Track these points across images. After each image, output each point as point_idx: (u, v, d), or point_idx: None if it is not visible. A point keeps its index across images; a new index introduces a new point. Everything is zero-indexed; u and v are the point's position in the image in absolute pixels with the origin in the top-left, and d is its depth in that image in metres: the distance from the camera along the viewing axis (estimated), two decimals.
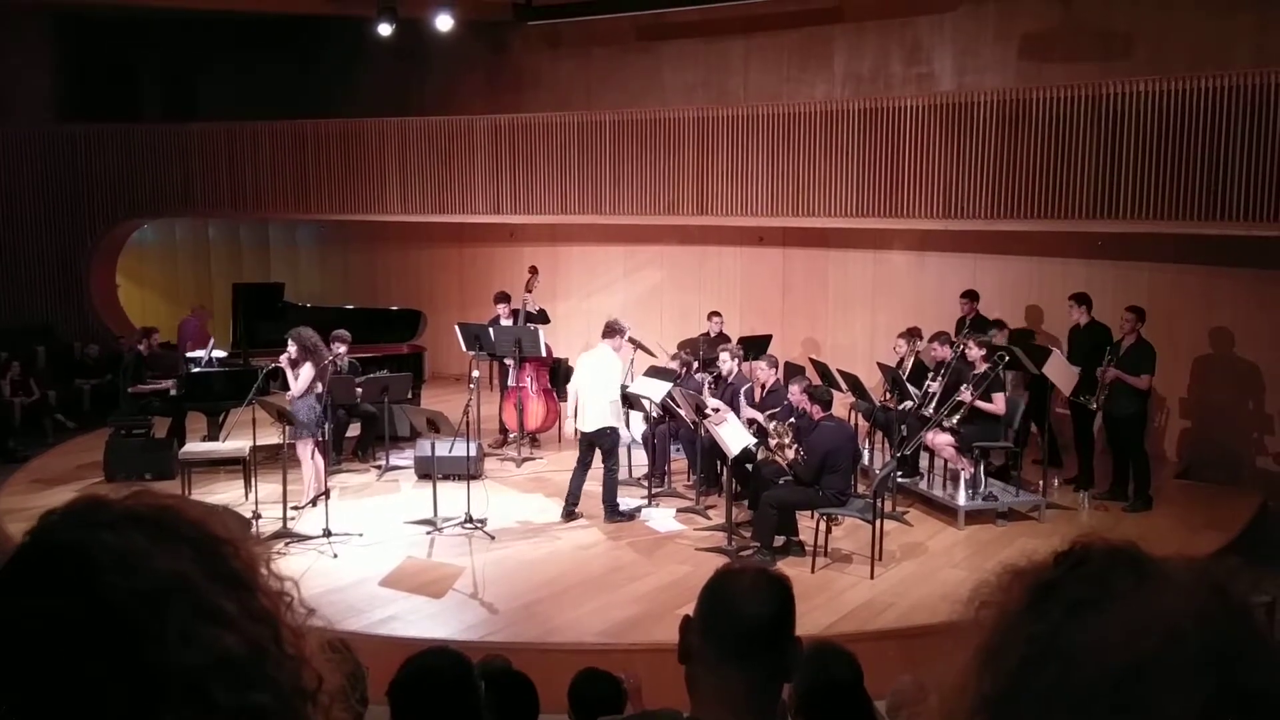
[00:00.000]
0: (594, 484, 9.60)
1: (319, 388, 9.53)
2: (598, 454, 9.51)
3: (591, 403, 9.41)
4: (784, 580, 2.05)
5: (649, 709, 3.62)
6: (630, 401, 10.27)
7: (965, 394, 9.40)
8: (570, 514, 9.52)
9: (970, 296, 11.44)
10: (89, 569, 0.83)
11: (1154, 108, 10.24)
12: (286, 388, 9.81)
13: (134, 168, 15.58)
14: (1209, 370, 11.06)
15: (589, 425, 9.42)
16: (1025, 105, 11.06)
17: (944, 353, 10.06)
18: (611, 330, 9.58)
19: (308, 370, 9.39)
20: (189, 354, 12.33)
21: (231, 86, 16.68)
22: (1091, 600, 0.87)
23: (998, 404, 9.53)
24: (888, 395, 10.65)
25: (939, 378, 9.95)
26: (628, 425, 10.77)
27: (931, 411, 9.66)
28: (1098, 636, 0.84)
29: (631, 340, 12.08)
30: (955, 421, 9.42)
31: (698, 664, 1.97)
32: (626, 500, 9.93)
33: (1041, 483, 9.97)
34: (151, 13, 15.45)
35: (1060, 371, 9.81)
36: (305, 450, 9.43)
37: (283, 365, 9.54)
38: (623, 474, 10.59)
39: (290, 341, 9.51)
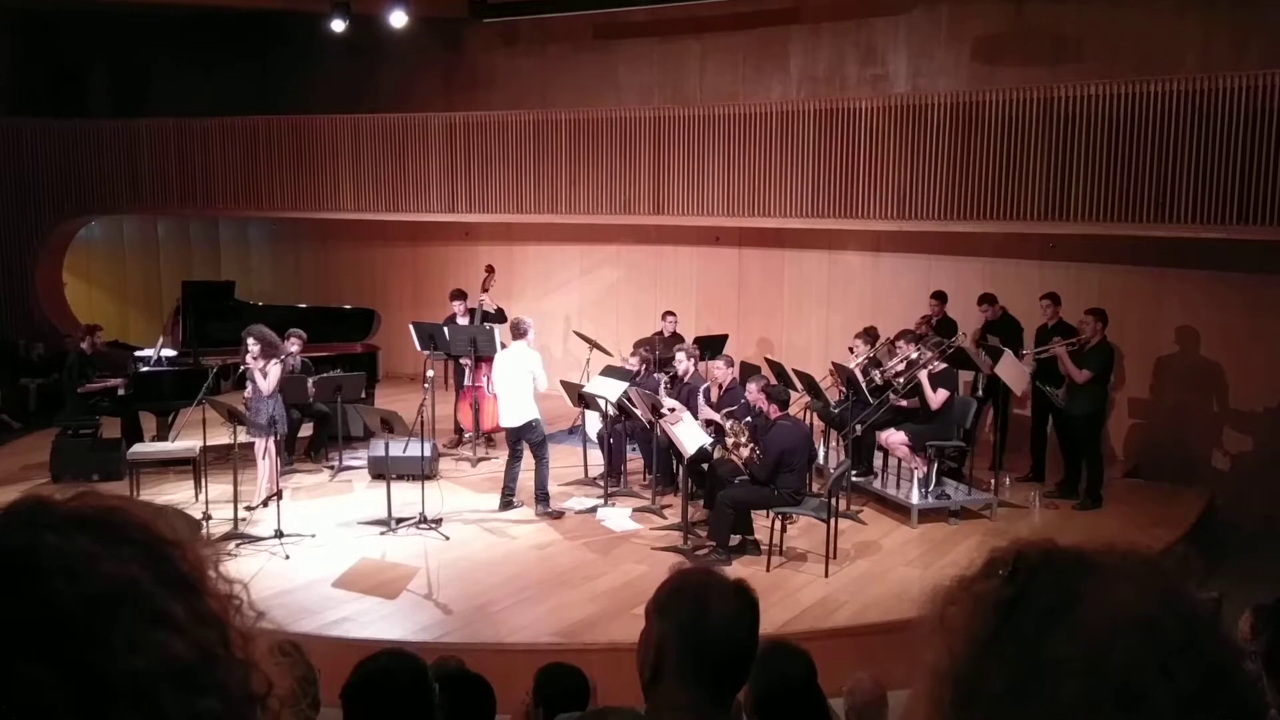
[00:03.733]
0: (529, 476, 9.81)
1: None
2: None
3: (507, 399, 9.67)
4: (755, 600, 2.07)
5: (608, 706, 3.61)
6: (586, 401, 10.28)
7: (922, 375, 9.52)
8: (508, 504, 9.66)
9: (939, 298, 11.51)
10: (32, 572, 0.81)
11: (1103, 111, 10.38)
12: (239, 387, 9.70)
13: (81, 164, 15.34)
14: (1158, 370, 11.23)
15: (510, 421, 9.66)
16: (978, 107, 11.18)
17: (909, 350, 10.10)
18: (519, 330, 9.80)
19: (275, 367, 9.34)
20: (137, 353, 12.16)
21: (181, 82, 16.46)
22: (1059, 607, 0.86)
23: (939, 396, 9.60)
24: (842, 395, 10.70)
25: (890, 370, 10.05)
26: (584, 424, 10.85)
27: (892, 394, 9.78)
28: (1078, 643, 0.83)
29: (586, 339, 12.12)
30: (900, 395, 9.54)
31: (668, 679, 1.98)
32: (581, 500, 9.95)
33: (993, 481, 10.08)
34: (100, 7, 15.22)
35: (1012, 371, 9.92)
36: (263, 448, 9.36)
37: (249, 365, 9.44)
38: (579, 473, 10.65)
39: (251, 340, 9.42)
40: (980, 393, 10.66)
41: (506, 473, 9.80)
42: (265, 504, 9.14)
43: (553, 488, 9.86)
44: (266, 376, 9.32)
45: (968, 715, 0.86)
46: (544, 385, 9.72)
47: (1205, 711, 0.81)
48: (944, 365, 9.73)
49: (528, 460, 9.78)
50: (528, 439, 9.66)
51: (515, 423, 9.62)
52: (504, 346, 11.62)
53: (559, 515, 9.60)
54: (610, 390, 9.99)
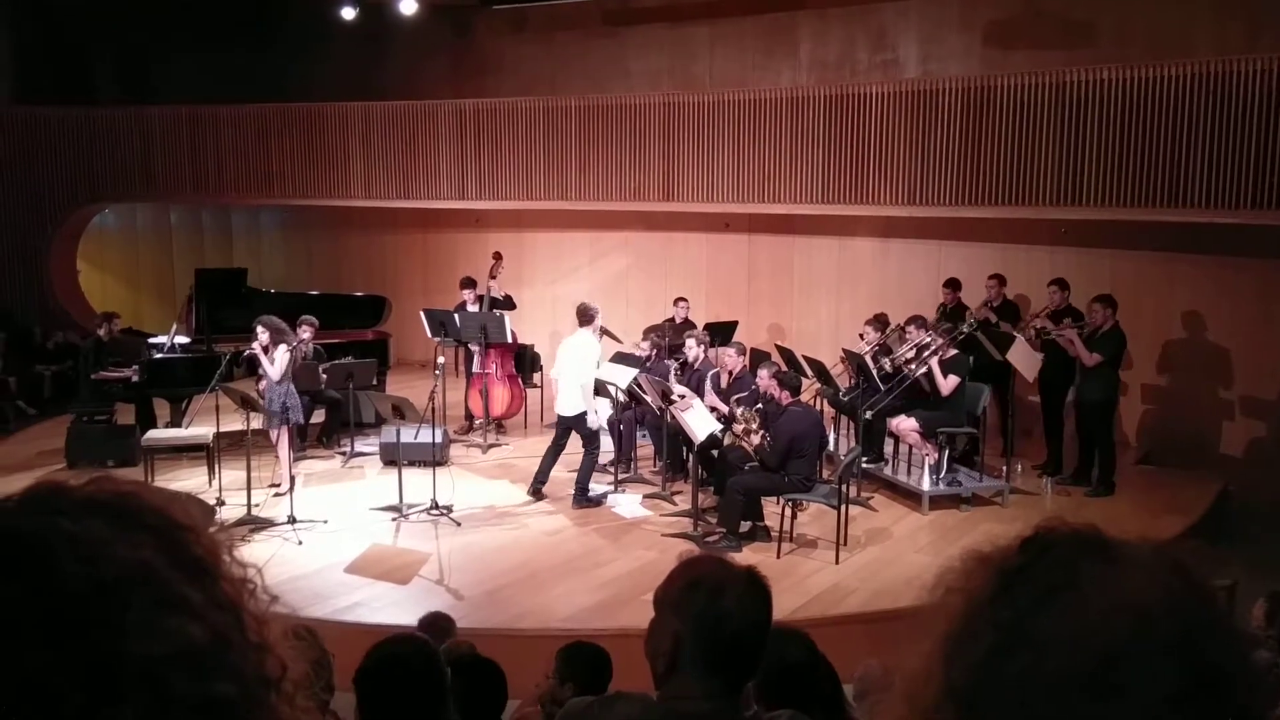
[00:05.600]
0: (561, 469, 9.71)
1: (288, 372, 9.51)
2: (574, 439, 9.61)
3: (566, 387, 9.52)
4: (768, 589, 2.08)
5: (620, 690, 3.63)
6: (597, 387, 10.29)
7: (932, 362, 9.51)
8: (537, 492, 9.62)
9: (952, 285, 11.47)
10: (47, 557, 0.81)
11: (1116, 96, 10.32)
12: (251, 374, 9.71)
13: (94, 152, 15.38)
14: (1170, 355, 11.19)
15: (567, 410, 9.52)
16: (989, 92, 11.12)
17: (919, 336, 10.08)
18: (587, 316, 9.66)
19: (283, 354, 9.36)
20: (151, 340, 12.20)
21: (192, 69, 16.45)
22: (1060, 586, 0.87)
23: (950, 382, 9.58)
24: (853, 381, 10.69)
25: (901, 357, 10.04)
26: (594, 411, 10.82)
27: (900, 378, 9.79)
28: (1069, 622, 0.84)
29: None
30: (914, 387, 9.56)
31: (683, 672, 1.99)
32: (594, 487, 9.96)
33: (1005, 468, 10.06)
34: None
35: (1024, 358, 9.89)
36: (283, 435, 9.41)
37: (255, 352, 9.47)
38: None
39: (260, 328, 9.45)
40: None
41: (543, 462, 9.67)
42: (291, 491, 9.17)
43: (562, 474, 9.77)
44: (274, 363, 9.35)
45: (951, 672, 0.88)
46: (588, 376, 9.52)
47: (1190, 713, 0.81)
48: (955, 351, 9.70)
49: (564, 458, 9.69)
50: (580, 430, 9.51)
51: (570, 412, 9.50)
52: (511, 337, 11.67)
53: (598, 503, 9.57)
54: (621, 377, 9.99)
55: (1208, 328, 10.93)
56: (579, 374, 9.45)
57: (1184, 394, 11.14)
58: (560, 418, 9.64)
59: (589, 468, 9.57)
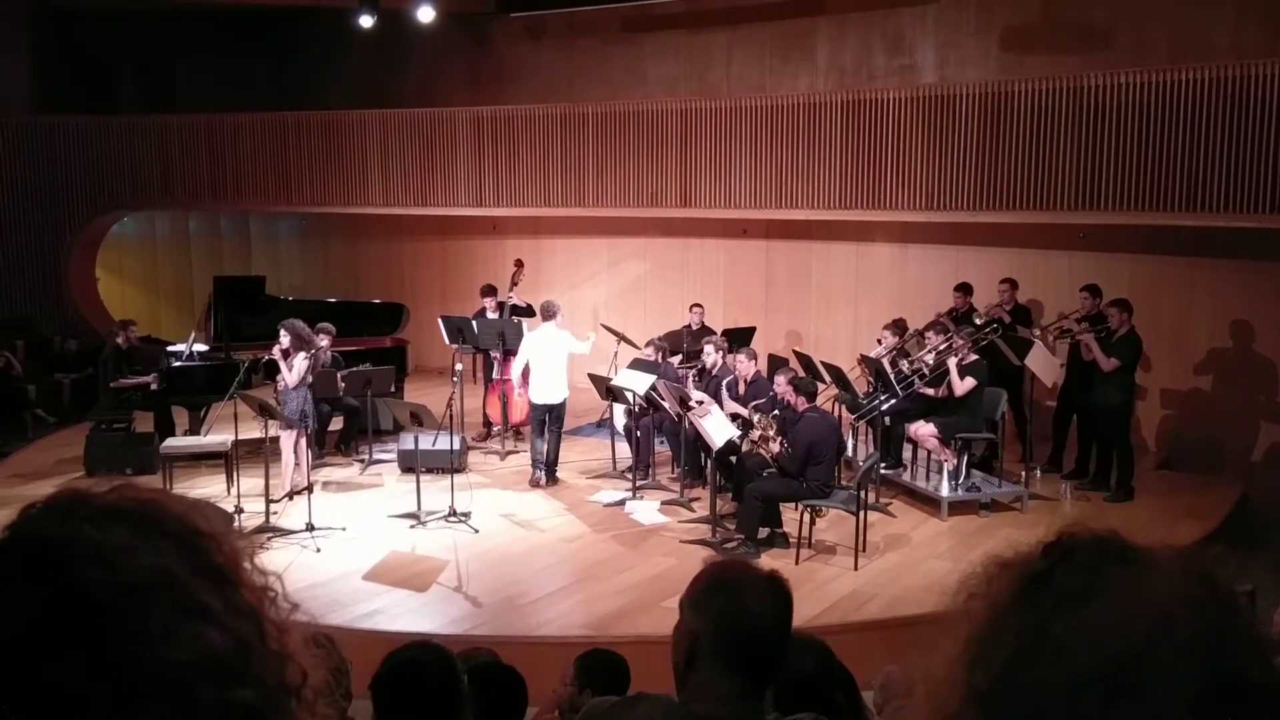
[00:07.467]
0: (571, 472, 10.14)
1: (309, 378, 9.53)
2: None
3: (551, 376, 10.14)
4: (789, 591, 2.08)
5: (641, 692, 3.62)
6: (614, 394, 10.31)
7: (951, 363, 9.49)
8: (543, 480, 10.24)
9: (964, 290, 11.42)
10: (70, 564, 0.82)
11: (1134, 100, 10.28)
12: (269, 380, 9.72)
13: (113, 160, 15.48)
14: (1189, 361, 11.12)
15: (554, 397, 10.17)
16: (1006, 98, 11.10)
17: (938, 340, 10.05)
18: (550, 312, 10.34)
19: (301, 361, 9.39)
20: (170, 348, 12.26)
21: (211, 77, 16.56)
22: (1081, 590, 0.87)
23: (965, 385, 9.54)
24: (870, 387, 10.66)
25: (919, 360, 10.04)
26: (611, 416, 10.98)
27: (919, 379, 9.80)
28: (1088, 626, 0.84)
29: (613, 332, 12.12)
30: (925, 383, 9.55)
31: (704, 670, 1.99)
32: (609, 493, 9.97)
33: (1024, 473, 10.02)
34: (129, 2, 15.33)
35: (1042, 363, 9.85)
36: (290, 441, 9.42)
37: (275, 356, 9.52)
38: (607, 466, 10.73)
39: (283, 332, 9.49)
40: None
41: (533, 445, 10.31)
42: (290, 498, 9.19)
43: (581, 481, 10.14)
44: (291, 370, 9.38)
45: (974, 677, 0.88)
46: (586, 349, 10.46)
47: (1210, 718, 0.81)
48: (975, 356, 9.67)
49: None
50: (558, 413, 10.21)
51: (556, 399, 10.15)
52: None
53: (550, 484, 10.17)
54: (639, 383, 9.99)
55: (1228, 332, 10.86)
56: (560, 363, 10.20)
57: (1204, 398, 11.08)
58: (537, 405, 10.22)
59: (558, 446, 10.36)
